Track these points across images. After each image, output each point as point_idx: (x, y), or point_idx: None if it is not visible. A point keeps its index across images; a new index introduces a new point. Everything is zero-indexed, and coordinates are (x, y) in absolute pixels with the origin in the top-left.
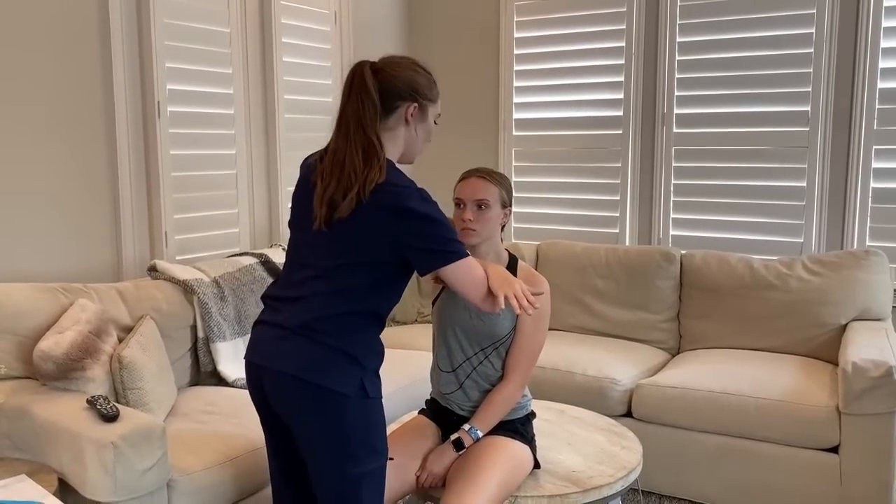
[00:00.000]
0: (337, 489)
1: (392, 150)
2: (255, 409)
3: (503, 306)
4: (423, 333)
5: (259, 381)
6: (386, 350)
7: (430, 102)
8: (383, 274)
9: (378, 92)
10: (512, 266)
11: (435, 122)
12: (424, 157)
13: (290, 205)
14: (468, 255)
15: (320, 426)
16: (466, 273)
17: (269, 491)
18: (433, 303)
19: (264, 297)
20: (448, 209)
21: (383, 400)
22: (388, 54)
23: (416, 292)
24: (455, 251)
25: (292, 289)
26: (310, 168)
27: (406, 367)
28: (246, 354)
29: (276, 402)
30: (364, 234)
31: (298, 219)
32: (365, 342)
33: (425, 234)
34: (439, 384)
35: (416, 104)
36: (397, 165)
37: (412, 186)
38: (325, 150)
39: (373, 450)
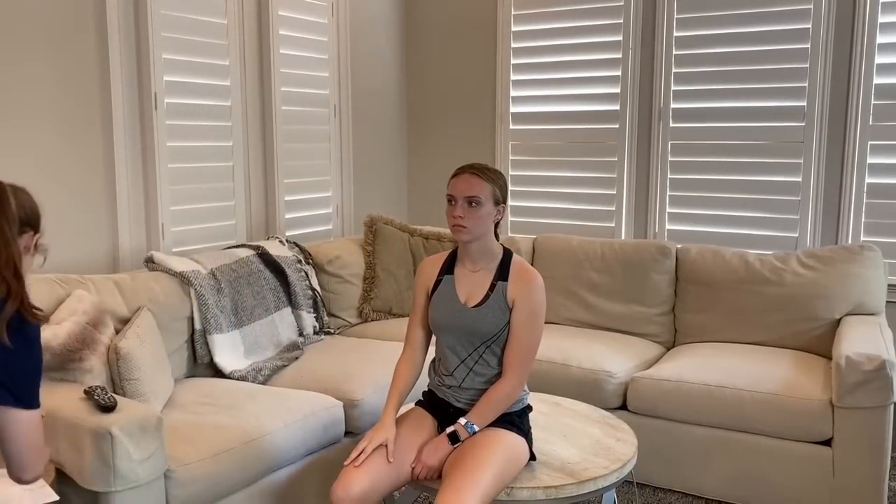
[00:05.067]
0: None
1: None
2: (255, 401)
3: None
4: None
5: None
6: (383, 342)
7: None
8: None
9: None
10: (506, 260)
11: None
12: (420, 151)
13: (286, 197)
14: (38, 406)
15: None
16: (31, 428)
17: (264, 482)
18: (429, 299)
19: None
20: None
21: (381, 393)
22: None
23: (411, 286)
24: (33, 395)
25: None
26: None
27: None
28: None
29: None
30: None
31: None
32: None
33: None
34: (436, 379)
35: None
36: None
37: None
38: None
39: None
